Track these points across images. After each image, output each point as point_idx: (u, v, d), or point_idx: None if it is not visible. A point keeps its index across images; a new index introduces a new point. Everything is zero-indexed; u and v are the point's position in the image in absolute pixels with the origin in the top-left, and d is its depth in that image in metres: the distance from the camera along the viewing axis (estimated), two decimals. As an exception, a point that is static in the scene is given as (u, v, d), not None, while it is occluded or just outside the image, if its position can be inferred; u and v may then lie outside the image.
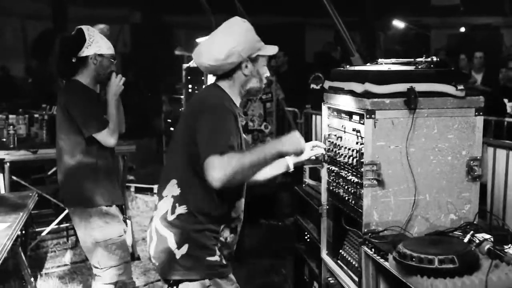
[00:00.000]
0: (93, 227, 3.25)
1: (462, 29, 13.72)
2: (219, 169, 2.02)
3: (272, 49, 2.43)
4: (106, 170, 3.31)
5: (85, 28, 3.28)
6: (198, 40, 7.75)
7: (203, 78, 6.35)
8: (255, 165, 2.13)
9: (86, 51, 3.24)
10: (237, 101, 2.42)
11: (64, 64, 3.31)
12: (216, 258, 2.29)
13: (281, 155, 2.23)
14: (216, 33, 2.39)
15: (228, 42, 2.30)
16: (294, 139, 2.26)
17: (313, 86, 7.21)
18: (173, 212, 2.27)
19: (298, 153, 2.31)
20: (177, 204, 2.27)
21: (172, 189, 2.29)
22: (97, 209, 3.25)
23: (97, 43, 3.26)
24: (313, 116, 6.76)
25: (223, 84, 2.39)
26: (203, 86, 2.60)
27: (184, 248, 2.24)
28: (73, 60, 3.25)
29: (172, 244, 2.25)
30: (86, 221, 3.25)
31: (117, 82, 3.31)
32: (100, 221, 3.25)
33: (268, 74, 2.45)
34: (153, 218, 2.38)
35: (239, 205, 2.41)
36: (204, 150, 2.11)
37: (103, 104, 3.30)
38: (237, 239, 2.45)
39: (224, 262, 2.33)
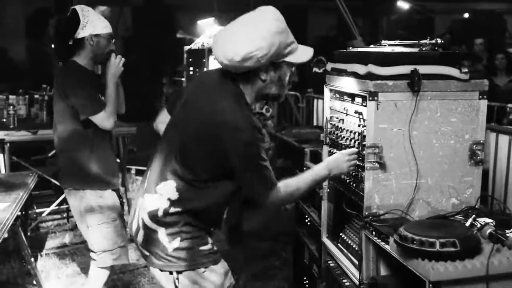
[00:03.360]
0: (86, 210, 3.22)
1: (466, 15, 13.61)
2: (276, 206, 2.26)
3: (303, 56, 2.16)
4: (103, 153, 3.26)
5: (79, 8, 3.18)
6: (199, 22, 7.71)
7: (204, 60, 6.33)
8: (306, 192, 2.33)
9: (81, 33, 3.15)
10: (252, 102, 2.21)
11: (61, 47, 3.22)
12: (208, 246, 2.24)
13: (326, 178, 2.51)
14: (239, 25, 2.09)
15: (248, 43, 2.01)
16: (340, 162, 2.41)
17: (315, 69, 7.16)
18: (165, 214, 2.17)
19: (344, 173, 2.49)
20: (172, 208, 2.16)
21: (169, 191, 2.16)
22: (91, 192, 3.22)
23: (92, 23, 3.17)
24: (315, 100, 6.74)
25: (240, 81, 2.15)
26: (211, 72, 2.40)
27: (176, 242, 2.16)
28: (70, 43, 3.17)
29: (163, 238, 2.17)
30: (81, 203, 3.23)
31: (116, 63, 3.21)
32: (94, 204, 3.22)
33: (293, 78, 2.22)
34: (138, 208, 2.26)
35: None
36: (254, 195, 2.19)
37: (102, 85, 3.22)
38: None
39: (215, 248, 2.27)
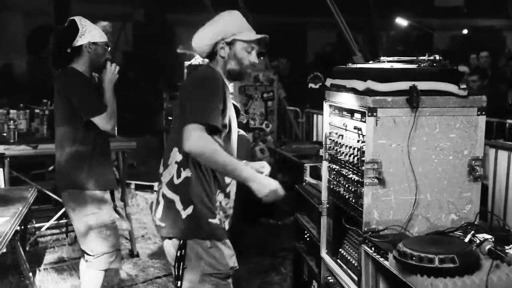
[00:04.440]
0: (87, 212, 3.29)
1: (465, 31, 13.71)
2: (192, 141, 2.26)
3: (250, 35, 2.55)
4: (101, 156, 3.37)
5: (77, 18, 3.33)
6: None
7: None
8: (221, 167, 2.35)
9: (80, 41, 3.29)
10: (227, 82, 2.59)
11: (59, 55, 3.34)
12: (216, 221, 2.47)
13: (244, 182, 2.37)
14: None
15: (205, 28, 2.57)
16: (266, 184, 2.36)
17: (311, 85, 7.20)
18: (179, 176, 2.45)
19: (262, 196, 2.38)
20: (181, 169, 2.45)
21: (175, 156, 2.48)
22: (91, 193, 3.29)
23: (90, 32, 3.32)
24: (315, 116, 6.76)
25: (213, 64, 2.59)
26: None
27: (190, 209, 2.42)
28: (68, 51, 3.29)
29: (179, 206, 2.44)
30: (80, 206, 3.29)
31: (112, 70, 3.37)
32: (94, 206, 3.29)
33: (253, 60, 2.58)
34: (161, 186, 2.53)
35: None
36: (187, 117, 2.32)
37: (100, 91, 3.36)
38: (233, 204, 2.62)
39: (223, 225, 2.53)
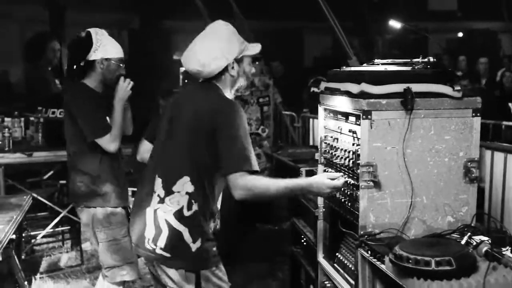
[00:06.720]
0: (97, 227, 3.29)
1: (460, 34, 13.75)
2: (242, 190, 2.27)
3: (256, 48, 2.54)
4: (111, 172, 3.32)
5: (93, 31, 3.27)
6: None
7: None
8: (275, 196, 2.38)
9: (93, 55, 3.23)
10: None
11: (73, 68, 3.28)
12: (215, 248, 2.45)
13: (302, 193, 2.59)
14: (201, 38, 2.50)
15: (214, 47, 2.44)
16: (322, 185, 2.41)
17: (313, 89, 7.18)
18: (189, 208, 2.36)
19: (325, 195, 2.57)
20: (192, 201, 2.37)
21: (186, 186, 2.37)
22: (102, 210, 3.28)
23: (104, 46, 3.25)
24: (311, 120, 6.75)
25: (221, 84, 2.50)
26: (190, 87, 2.81)
27: (199, 242, 2.36)
28: (81, 64, 3.24)
29: (188, 239, 2.36)
30: (91, 221, 3.30)
31: (124, 87, 3.29)
32: (104, 221, 3.29)
33: (253, 70, 2.59)
34: (158, 210, 2.40)
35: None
36: (228, 166, 2.30)
37: (111, 107, 3.28)
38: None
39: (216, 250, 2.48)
